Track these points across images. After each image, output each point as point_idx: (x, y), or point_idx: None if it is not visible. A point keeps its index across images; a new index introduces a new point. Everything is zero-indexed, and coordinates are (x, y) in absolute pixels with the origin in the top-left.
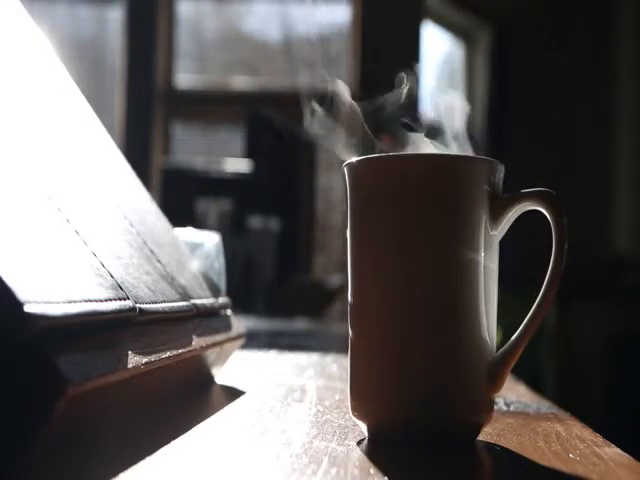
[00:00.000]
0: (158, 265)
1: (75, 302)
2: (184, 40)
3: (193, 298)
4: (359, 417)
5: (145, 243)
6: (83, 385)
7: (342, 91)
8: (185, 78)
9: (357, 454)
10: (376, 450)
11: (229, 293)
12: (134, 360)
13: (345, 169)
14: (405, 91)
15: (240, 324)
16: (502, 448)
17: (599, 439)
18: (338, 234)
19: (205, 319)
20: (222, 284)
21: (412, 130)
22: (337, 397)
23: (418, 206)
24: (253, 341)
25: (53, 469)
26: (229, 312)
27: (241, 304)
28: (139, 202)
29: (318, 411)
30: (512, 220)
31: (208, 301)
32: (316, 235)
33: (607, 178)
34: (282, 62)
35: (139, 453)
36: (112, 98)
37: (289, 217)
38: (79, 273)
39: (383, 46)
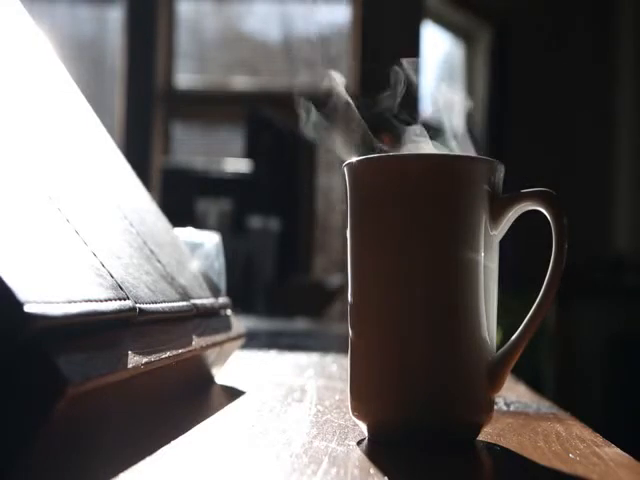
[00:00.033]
0: (158, 265)
1: (75, 302)
2: (184, 40)
3: (193, 298)
4: (359, 417)
5: (145, 243)
6: (83, 385)
7: (338, 84)
8: (185, 78)
9: (357, 454)
10: (376, 450)
11: (229, 293)
12: (134, 360)
13: (345, 169)
14: (405, 91)
15: (240, 324)
16: (502, 448)
17: (599, 439)
18: (338, 234)
19: (205, 319)
20: (222, 284)
21: (412, 130)
22: (337, 397)
23: (418, 206)
24: (253, 341)
25: (53, 469)
26: (229, 312)
27: (241, 304)
28: (139, 202)
29: (318, 411)
30: (512, 220)
31: (208, 301)
32: (316, 235)
33: (607, 178)
34: (282, 62)
35: (139, 453)
36: (112, 98)
37: (289, 217)
38: (79, 273)
39: (383, 46)
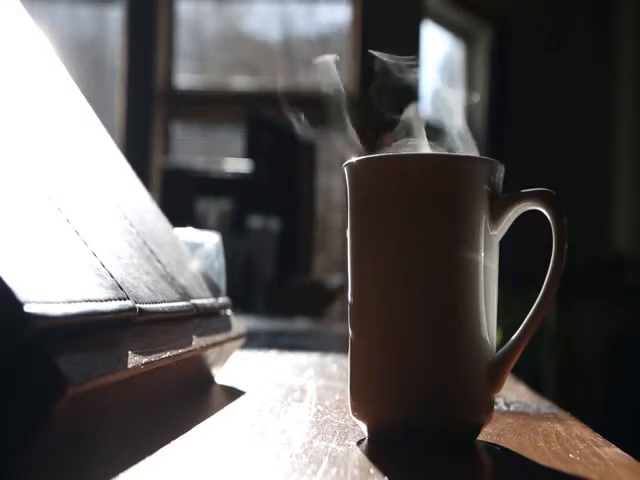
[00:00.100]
0: (158, 265)
1: (75, 302)
2: (184, 40)
3: (193, 298)
4: (359, 417)
5: (145, 243)
6: (83, 385)
7: (331, 70)
8: (185, 78)
9: (357, 454)
10: (376, 450)
11: (229, 293)
12: (134, 360)
13: (345, 169)
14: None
15: (240, 324)
16: (502, 448)
17: (599, 439)
18: (338, 234)
19: (205, 319)
20: (222, 284)
21: (412, 129)
22: (337, 397)
23: (418, 206)
24: (253, 341)
25: (53, 469)
26: (229, 312)
27: (241, 304)
28: (139, 202)
29: (318, 411)
30: (512, 220)
31: (208, 301)
32: (316, 235)
33: (607, 178)
34: (282, 62)
35: (139, 453)
36: (112, 98)
37: (289, 217)
38: (79, 273)
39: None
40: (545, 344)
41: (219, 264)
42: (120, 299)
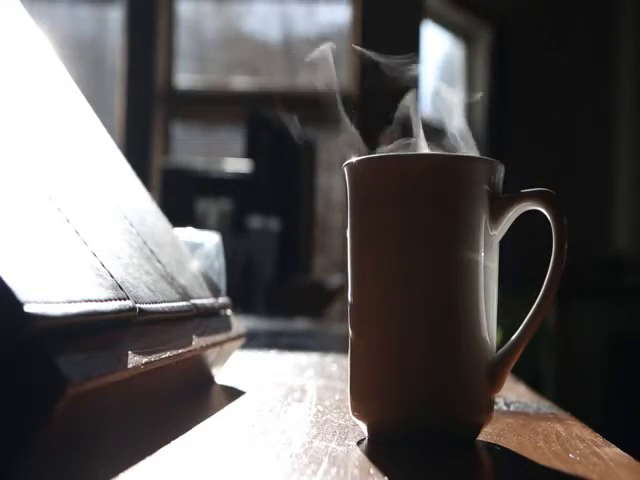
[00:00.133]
0: (158, 265)
1: (75, 302)
2: (184, 40)
3: (193, 298)
4: (359, 417)
5: (145, 243)
6: (83, 385)
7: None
8: (185, 78)
9: (357, 454)
10: (376, 450)
11: (229, 293)
12: (134, 360)
13: (345, 169)
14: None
15: (240, 324)
16: (502, 448)
17: (599, 439)
18: (338, 234)
19: (205, 319)
20: (222, 284)
21: (412, 129)
22: (337, 397)
23: (418, 206)
24: (253, 341)
25: (53, 469)
26: (229, 312)
27: (241, 304)
28: (139, 202)
29: (318, 411)
30: (512, 220)
31: (208, 301)
32: (316, 235)
33: (607, 178)
34: (282, 62)
35: (139, 453)
36: (112, 98)
37: (289, 217)
38: (79, 273)
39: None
40: (545, 344)
41: (219, 264)
42: (120, 299)
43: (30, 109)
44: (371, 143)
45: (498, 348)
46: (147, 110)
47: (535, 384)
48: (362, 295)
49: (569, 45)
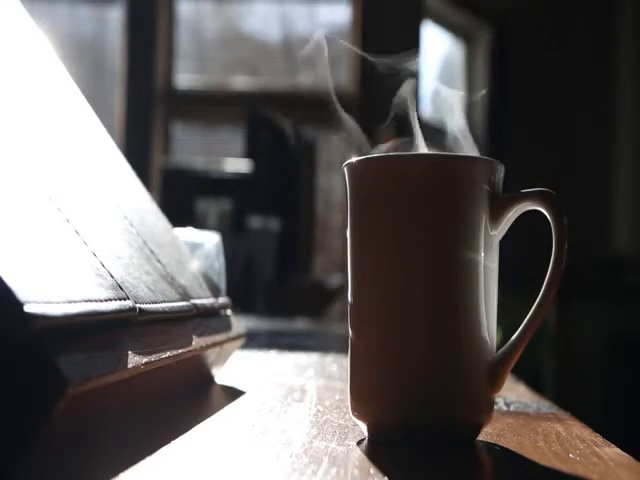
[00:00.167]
0: (158, 265)
1: (75, 302)
2: (184, 40)
3: (193, 298)
4: (359, 417)
5: (145, 243)
6: (83, 385)
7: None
8: (185, 78)
9: (357, 454)
10: (376, 450)
11: (229, 293)
12: (134, 360)
13: (345, 169)
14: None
15: (240, 324)
16: (502, 448)
17: (599, 439)
18: (338, 234)
19: (205, 319)
20: (222, 284)
21: (412, 129)
22: (337, 397)
23: (418, 206)
24: (253, 341)
25: (53, 469)
26: (229, 312)
27: (241, 304)
28: (139, 202)
29: (318, 411)
30: (512, 220)
31: (208, 301)
32: (316, 235)
33: (607, 178)
34: (282, 62)
35: (139, 453)
36: (112, 98)
37: (289, 217)
38: (79, 273)
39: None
40: (545, 344)
41: (219, 264)
42: (120, 299)
43: (30, 109)
44: (371, 142)
45: (498, 348)
46: (147, 110)
47: (535, 384)
48: (362, 295)
49: (569, 45)
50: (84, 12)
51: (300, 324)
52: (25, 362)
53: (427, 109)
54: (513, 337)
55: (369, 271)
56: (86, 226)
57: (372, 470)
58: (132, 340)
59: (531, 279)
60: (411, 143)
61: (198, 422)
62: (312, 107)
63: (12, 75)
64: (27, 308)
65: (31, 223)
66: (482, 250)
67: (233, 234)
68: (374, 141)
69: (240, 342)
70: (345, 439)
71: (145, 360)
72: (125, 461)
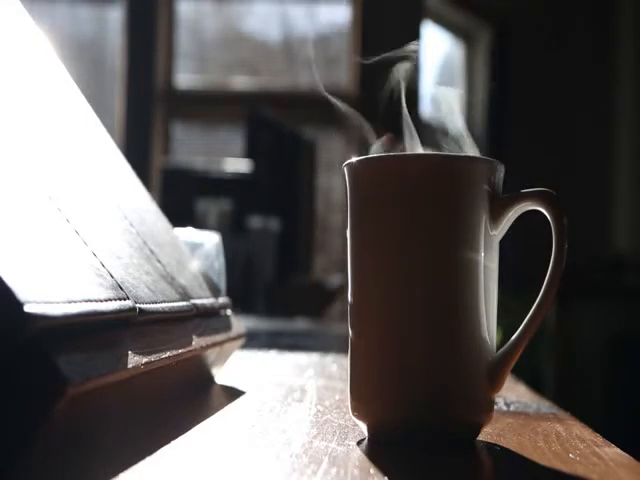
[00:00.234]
0: (158, 265)
1: (75, 302)
2: (184, 40)
3: (193, 298)
4: (359, 417)
5: (145, 243)
6: (83, 385)
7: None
8: (185, 78)
9: (357, 454)
10: (376, 450)
11: (229, 293)
12: (134, 360)
13: (345, 169)
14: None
15: (240, 324)
16: (502, 448)
17: (599, 439)
18: (338, 234)
19: (205, 319)
20: (222, 284)
21: (412, 129)
22: (337, 397)
23: (418, 206)
24: (253, 341)
25: (53, 469)
26: (229, 312)
27: (241, 304)
28: (139, 202)
29: (318, 411)
30: (512, 220)
31: (208, 301)
32: (316, 235)
33: (607, 178)
34: (282, 62)
35: (139, 453)
36: (112, 98)
37: (289, 217)
38: (79, 273)
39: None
40: (545, 344)
41: (219, 264)
42: (120, 299)
43: (30, 109)
44: (372, 140)
45: (498, 348)
46: (147, 110)
47: (535, 384)
48: (362, 295)
49: (569, 45)
50: (84, 12)
51: (300, 324)
52: (25, 362)
53: (427, 109)
54: (513, 337)
55: (369, 271)
56: (86, 226)
57: (372, 470)
58: (132, 340)
59: (531, 279)
60: (410, 142)
61: (198, 422)
62: (312, 107)
63: (12, 75)
64: (27, 308)
65: (31, 223)
66: (482, 250)
67: (233, 234)
68: (374, 140)
69: (240, 342)
70: (345, 439)
71: (145, 360)
72: (125, 461)
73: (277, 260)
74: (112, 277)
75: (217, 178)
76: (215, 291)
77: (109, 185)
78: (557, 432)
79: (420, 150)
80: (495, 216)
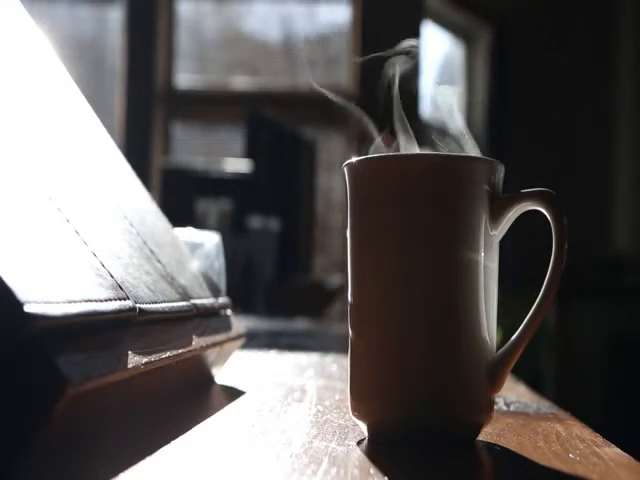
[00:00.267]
0: (158, 265)
1: (75, 302)
2: (184, 40)
3: (193, 298)
4: (359, 417)
5: (145, 243)
6: (83, 385)
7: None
8: (185, 78)
9: (357, 454)
10: (376, 450)
11: (229, 293)
12: (134, 360)
13: (345, 169)
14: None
15: (240, 324)
16: (502, 448)
17: (599, 439)
18: (338, 234)
19: (205, 319)
20: (222, 284)
21: (411, 129)
22: (337, 397)
23: (418, 206)
24: (253, 341)
25: (53, 469)
26: (229, 312)
27: (241, 304)
28: (139, 202)
29: (318, 411)
30: (512, 220)
31: (208, 301)
32: (316, 235)
33: (607, 178)
34: (282, 62)
35: (139, 453)
36: (112, 98)
37: (289, 217)
38: (79, 273)
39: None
40: (545, 344)
41: (219, 264)
42: (120, 299)
43: (30, 109)
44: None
45: (498, 348)
46: (147, 110)
47: (535, 384)
48: (362, 295)
49: (569, 45)
50: (84, 12)
51: (300, 324)
52: (25, 362)
53: (427, 109)
54: (513, 337)
55: (369, 271)
56: (86, 226)
57: (372, 470)
58: (132, 340)
59: (531, 279)
60: (405, 141)
61: (198, 422)
62: (312, 107)
63: (12, 75)
64: (27, 308)
65: (31, 223)
66: (482, 250)
67: (233, 234)
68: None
69: (240, 342)
70: (345, 439)
71: (145, 360)
72: (125, 461)
73: (277, 260)
74: (112, 277)
75: (217, 178)
76: (215, 291)
77: (109, 185)
78: (557, 432)
79: (416, 149)
80: (495, 216)
